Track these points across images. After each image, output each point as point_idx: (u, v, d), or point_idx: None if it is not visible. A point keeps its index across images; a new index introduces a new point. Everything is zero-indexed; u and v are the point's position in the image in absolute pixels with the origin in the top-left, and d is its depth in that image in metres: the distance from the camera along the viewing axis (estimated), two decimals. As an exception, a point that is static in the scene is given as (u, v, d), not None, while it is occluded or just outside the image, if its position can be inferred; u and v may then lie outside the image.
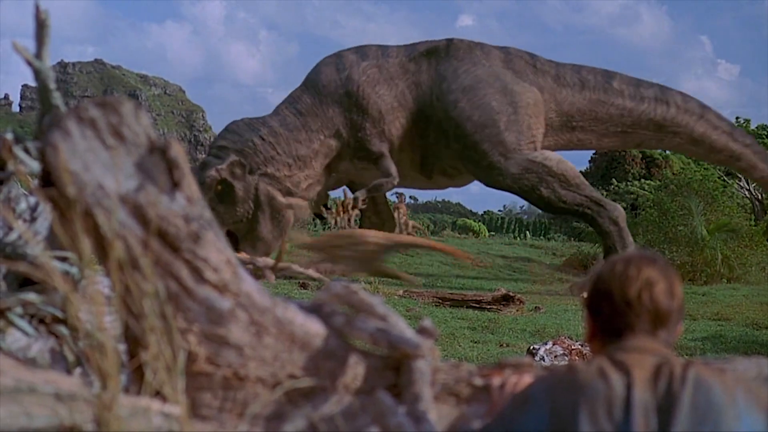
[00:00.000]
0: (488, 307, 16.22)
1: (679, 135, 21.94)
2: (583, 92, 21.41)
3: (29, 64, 3.36)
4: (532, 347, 10.03)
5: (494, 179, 20.31)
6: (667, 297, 2.71)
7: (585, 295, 2.87)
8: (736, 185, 40.38)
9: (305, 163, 19.76)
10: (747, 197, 39.72)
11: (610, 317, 2.73)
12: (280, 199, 19.53)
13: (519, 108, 20.30)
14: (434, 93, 20.43)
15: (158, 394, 2.62)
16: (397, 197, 24.53)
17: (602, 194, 22.59)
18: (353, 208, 21.20)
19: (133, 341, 2.75)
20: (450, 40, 21.19)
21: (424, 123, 20.44)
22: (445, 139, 20.42)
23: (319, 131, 19.86)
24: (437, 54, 20.91)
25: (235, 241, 19.31)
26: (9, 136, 3.22)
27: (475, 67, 20.56)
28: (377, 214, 22.00)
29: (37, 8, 3.24)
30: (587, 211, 20.08)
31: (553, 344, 9.89)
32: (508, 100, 20.23)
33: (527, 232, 62.10)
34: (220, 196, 18.69)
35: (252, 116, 20.35)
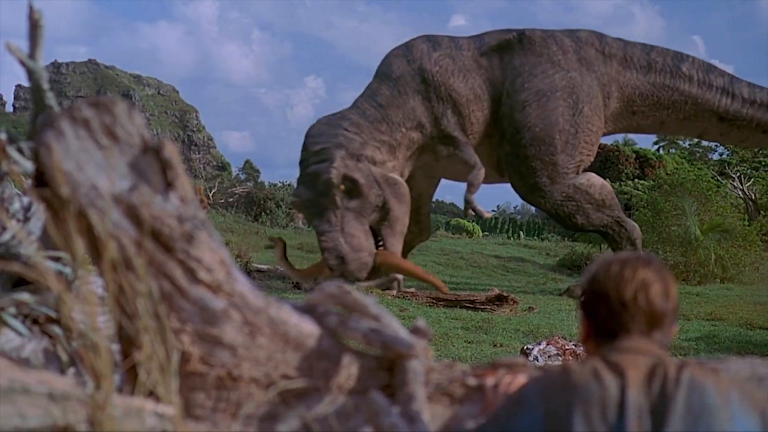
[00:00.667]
0: (482, 307, 16.25)
1: (743, 129, 21.29)
2: (648, 75, 20.72)
3: (23, 64, 3.35)
4: (525, 347, 10.05)
5: (534, 198, 19.94)
6: (663, 298, 2.72)
7: (581, 296, 2.88)
8: (729, 185, 40.45)
9: (391, 151, 19.22)
10: (740, 197, 39.78)
11: (606, 318, 2.74)
12: (392, 175, 19.06)
13: (580, 132, 19.71)
14: (507, 88, 19.80)
15: (152, 394, 2.62)
16: None
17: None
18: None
19: (127, 341, 2.75)
20: (522, 32, 20.43)
21: (497, 119, 19.90)
22: (499, 136, 19.92)
23: (401, 123, 19.14)
24: (510, 49, 20.11)
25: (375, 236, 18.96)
26: (2, 136, 3.22)
27: (553, 70, 19.84)
28: (418, 223, 21.25)
29: (30, 8, 3.24)
30: (609, 231, 19.91)
31: (547, 344, 9.90)
32: (574, 120, 19.66)
33: (521, 232, 62.10)
34: (349, 193, 18.24)
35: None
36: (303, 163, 18.79)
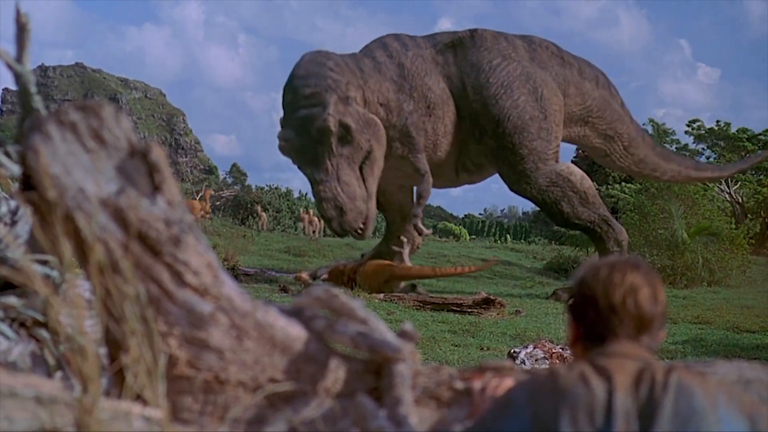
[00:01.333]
0: (469, 310, 16.25)
1: (633, 156, 22.20)
2: (598, 88, 21.39)
3: (10, 67, 3.35)
4: (512, 350, 10.05)
5: (521, 186, 20.11)
6: (651, 302, 2.72)
7: (569, 299, 2.88)
8: (716, 188, 40.53)
9: (364, 99, 19.19)
10: (728, 200, 39.88)
11: (594, 322, 2.74)
12: (371, 115, 18.91)
13: (548, 115, 20.05)
14: (469, 85, 19.85)
15: (139, 398, 2.62)
16: None
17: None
18: (421, 235, 20.94)
19: (114, 344, 2.75)
20: (474, 31, 20.69)
21: (459, 117, 20.02)
22: (478, 134, 19.97)
23: (374, 92, 19.16)
24: (462, 45, 20.32)
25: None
26: (-11, 139, 3.22)
27: (506, 62, 20.05)
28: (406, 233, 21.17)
29: (17, 12, 3.24)
30: (597, 230, 20.07)
31: (534, 347, 9.91)
32: (539, 105, 19.94)
33: (508, 235, 62.22)
34: (341, 139, 18.10)
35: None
36: (291, 105, 18.61)
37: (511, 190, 20.59)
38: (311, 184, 18.67)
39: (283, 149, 18.79)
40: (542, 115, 19.95)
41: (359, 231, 18.70)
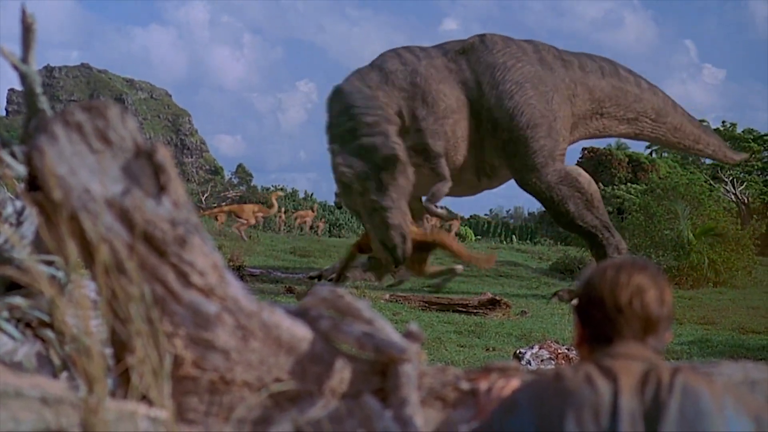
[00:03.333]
0: (475, 311, 16.24)
1: (665, 125, 22.17)
2: (604, 78, 21.47)
3: (16, 68, 3.35)
4: (518, 351, 10.05)
5: (530, 181, 20.11)
6: (658, 304, 2.72)
7: (575, 301, 2.88)
8: (722, 189, 40.54)
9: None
10: (733, 201, 39.86)
11: (601, 323, 2.73)
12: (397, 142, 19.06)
13: (558, 118, 20.22)
14: (484, 83, 19.94)
15: (144, 398, 2.62)
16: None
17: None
18: (435, 216, 20.94)
19: (120, 345, 2.75)
20: (482, 36, 20.89)
21: (476, 119, 20.09)
22: (493, 129, 20.01)
23: (387, 105, 19.20)
24: (474, 50, 20.45)
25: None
26: (-5, 140, 3.22)
27: (520, 64, 20.20)
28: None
29: (23, 13, 3.24)
30: (599, 235, 20.06)
31: (540, 348, 9.91)
32: (549, 107, 20.09)
33: (513, 236, 62.16)
34: (399, 168, 18.27)
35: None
36: (351, 133, 18.63)
37: (519, 185, 20.57)
38: (371, 212, 18.67)
39: (344, 175, 18.78)
40: (552, 116, 20.05)
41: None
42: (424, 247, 18.86)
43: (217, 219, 34.07)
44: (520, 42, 21.21)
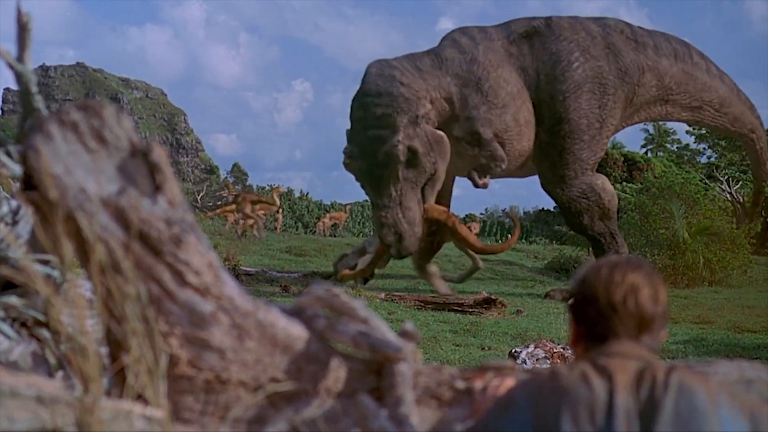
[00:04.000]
0: (470, 310, 16.24)
1: (727, 115, 21.99)
2: (677, 63, 21.03)
3: (11, 67, 3.35)
4: (513, 350, 10.05)
5: (554, 189, 19.82)
6: (652, 302, 2.72)
7: (570, 299, 2.88)
8: (717, 188, 40.51)
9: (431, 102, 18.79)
10: (728, 200, 39.86)
11: (595, 322, 2.74)
12: (437, 131, 18.51)
13: (604, 127, 19.67)
14: (545, 73, 19.39)
15: (140, 398, 2.62)
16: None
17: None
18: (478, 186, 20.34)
19: (115, 344, 2.75)
20: (549, 18, 20.23)
21: (534, 107, 19.61)
22: (538, 122, 19.59)
23: (435, 89, 18.63)
24: (539, 35, 19.82)
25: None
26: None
27: (584, 58, 19.86)
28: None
29: (18, 12, 3.24)
30: (603, 241, 19.96)
31: (535, 347, 9.91)
32: (601, 115, 19.56)
33: (509, 235, 62.11)
34: (407, 163, 17.79)
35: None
36: (361, 122, 18.36)
37: (543, 188, 20.40)
38: (372, 207, 18.57)
39: (347, 166, 18.59)
40: (599, 125, 19.65)
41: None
42: (438, 232, 18.81)
43: (227, 218, 34.04)
44: (588, 24, 20.53)
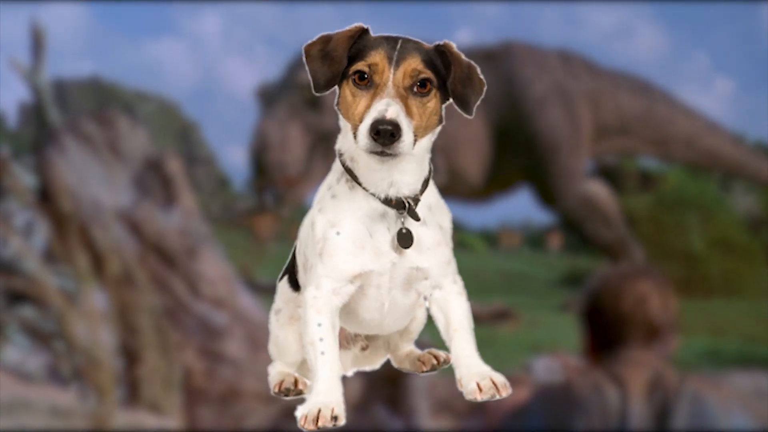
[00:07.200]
0: (484, 321, 16.19)
1: (700, 151, 21.77)
2: (636, 96, 20.92)
3: (26, 80, 3.37)
4: (527, 362, 10.02)
5: (551, 206, 19.90)
6: (661, 311, 2.72)
7: (581, 309, 2.88)
8: (733, 199, 40.35)
9: None
10: (744, 211, 39.68)
11: (606, 331, 2.74)
12: None
13: (581, 132, 19.79)
14: (507, 97, 19.57)
15: (154, 409, 2.63)
16: None
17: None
18: None
19: (129, 356, 2.75)
20: (505, 43, 20.37)
21: (489, 131, 19.56)
22: (514, 150, 19.60)
23: None
24: (496, 58, 19.92)
25: None
26: (5, 151, 3.24)
27: (542, 74, 19.79)
28: None
29: (34, 25, 3.26)
30: (613, 249, 19.88)
31: (550, 359, 9.87)
32: (573, 121, 19.69)
33: (524, 246, 61.93)
34: None
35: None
36: None
37: (542, 205, 20.41)
38: None
39: None
40: (575, 134, 19.69)
41: None
42: None
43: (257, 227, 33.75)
44: (546, 50, 20.80)
